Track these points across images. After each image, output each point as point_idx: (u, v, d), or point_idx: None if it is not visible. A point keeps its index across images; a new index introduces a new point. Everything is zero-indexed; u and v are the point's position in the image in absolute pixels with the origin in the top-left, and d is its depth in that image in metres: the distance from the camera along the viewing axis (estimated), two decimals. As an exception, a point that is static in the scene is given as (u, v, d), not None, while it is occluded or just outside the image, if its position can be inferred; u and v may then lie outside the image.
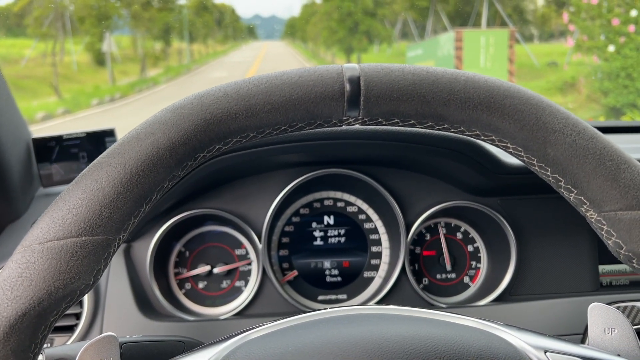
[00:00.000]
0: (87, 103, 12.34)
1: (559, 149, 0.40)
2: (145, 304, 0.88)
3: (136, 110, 12.01)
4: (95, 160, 0.40)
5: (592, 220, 0.41)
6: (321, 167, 0.91)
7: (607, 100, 7.62)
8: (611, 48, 7.33)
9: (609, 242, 0.41)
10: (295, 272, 0.94)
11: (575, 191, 0.41)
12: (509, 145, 0.42)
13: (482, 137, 0.42)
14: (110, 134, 0.99)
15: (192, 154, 0.40)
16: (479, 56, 8.83)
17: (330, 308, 0.89)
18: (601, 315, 0.44)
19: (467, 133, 0.43)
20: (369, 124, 0.42)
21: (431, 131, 0.73)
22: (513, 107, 0.40)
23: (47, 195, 1.00)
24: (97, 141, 0.99)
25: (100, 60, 17.11)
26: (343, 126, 0.43)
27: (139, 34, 20.23)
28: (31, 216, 0.96)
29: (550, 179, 0.42)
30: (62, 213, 0.37)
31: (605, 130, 1.19)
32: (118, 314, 0.85)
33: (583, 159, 0.39)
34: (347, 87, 0.40)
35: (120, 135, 1.03)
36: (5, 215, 0.94)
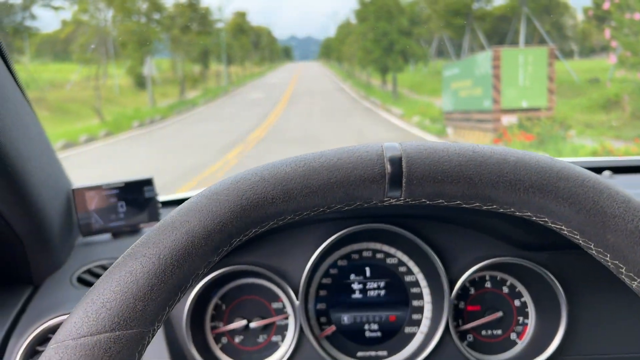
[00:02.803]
0: (128, 125, 12.70)
1: (620, 235, 0.38)
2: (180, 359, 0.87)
3: (174, 132, 12.28)
4: (129, 249, 0.39)
5: None
6: (359, 220, 0.89)
7: (653, 118, 7.49)
8: (656, 64, 7.20)
9: None
10: (333, 327, 0.91)
11: (638, 280, 0.39)
12: (563, 228, 0.40)
13: (534, 219, 0.40)
14: (148, 183, 0.99)
15: (228, 240, 0.39)
16: (518, 75, 8.66)
17: None
18: None
19: (517, 214, 0.41)
20: (411, 204, 0.41)
21: None
22: (568, 190, 0.38)
23: (87, 245, 1.00)
24: (135, 190, 0.99)
25: (140, 83, 17.65)
26: (385, 205, 0.41)
27: (178, 57, 20.83)
28: (71, 267, 0.96)
29: (610, 264, 0.40)
30: (95, 307, 0.36)
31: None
32: None
33: None
34: (389, 168, 0.39)
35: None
36: (45, 267, 0.94)
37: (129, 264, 0.37)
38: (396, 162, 0.39)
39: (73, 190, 0.98)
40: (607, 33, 8.88)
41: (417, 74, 19.22)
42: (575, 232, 0.40)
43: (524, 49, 11.90)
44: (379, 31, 17.50)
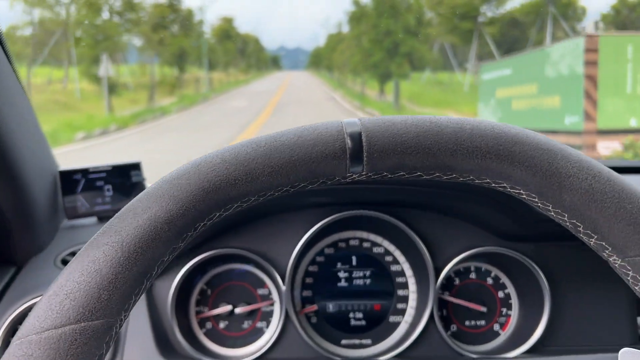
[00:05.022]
0: (70, 137, 11.75)
1: (575, 194, 0.42)
2: (165, 345, 0.98)
3: (126, 146, 11.57)
4: (91, 238, 0.42)
5: (616, 265, 0.43)
6: (347, 207, 1.01)
7: None
8: None
9: (636, 287, 0.43)
10: (315, 307, 1.03)
11: (596, 236, 0.43)
12: (522, 192, 0.45)
13: (494, 185, 0.45)
14: (136, 167, 1.12)
15: (192, 225, 0.43)
16: (626, 76, 6.38)
17: (353, 355, 0.98)
18: None
19: (477, 182, 0.46)
20: (374, 178, 0.46)
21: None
22: (523, 154, 0.43)
23: (72, 228, 1.12)
24: (123, 174, 1.11)
25: (110, 87, 17.30)
26: (347, 181, 0.46)
27: (148, 59, 20.86)
28: (55, 249, 1.07)
29: (568, 224, 0.45)
30: (59, 299, 0.39)
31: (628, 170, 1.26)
32: (137, 353, 0.95)
33: (601, 203, 0.42)
34: (349, 143, 0.43)
35: (145, 169, 1.16)
36: (29, 247, 1.06)
37: (92, 253, 0.40)
38: (356, 137, 0.43)
39: (60, 172, 1.10)
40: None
41: (415, 84, 18.80)
42: (534, 195, 0.44)
43: (635, 34, 8.42)
44: (381, 30, 16.85)
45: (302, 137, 0.44)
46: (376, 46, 17.38)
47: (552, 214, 0.45)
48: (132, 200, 0.43)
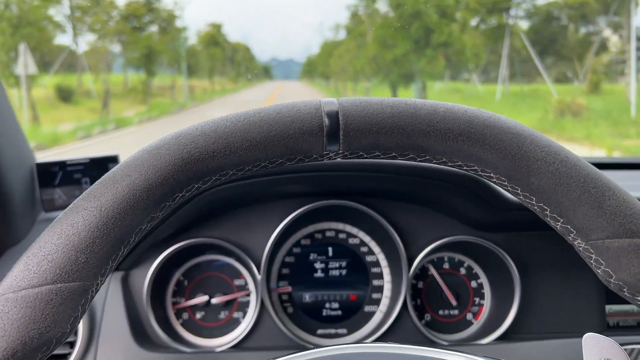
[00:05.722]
0: None
1: (543, 178, 0.51)
2: (141, 334, 1.21)
3: None
4: (71, 204, 0.50)
5: (580, 249, 0.52)
6: (323, 198, 1.26)
7: None
8: None
9: (599, 270, 0.52)
10: (288, 288, 1.29)
11: (562, 220, 0.52)
12: (492, 175, 0.54)
13: (465, 168, 0.54)
14: (113, 159, 1.37)
15: (171, 195, 0.52)
16: None
17: (329, 344, 1.25)
18: (596, 346, 0.56)
19: (449, 164, 0.55)
20: (350, 158, 0.55)
21: (434, 165, 1.04)
22: (494, 137, 0.52)
23: (49, 220, 1.37)
24: (100, 167, 1.36)
25: (65, 95, 16.84)
26: (324, 160, 0.56)
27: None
28: (31, 241, 1.32)
29: (536, 207, 0.53)
30: (37, 260, 0.47)
31: (604, 166, 1.55)
32: (113, 343, 1.18)
33: (567, 187, 0.50)
34: (326, 121, 0.52)
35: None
36: (5, 239, 1.30)
37: (71, 217, 0.48)
38: (333, 116, 0.52)
39: (37, 164, 1.35)
40: None
41: (428, 93, 16.84)
42: (503, 179, 0.53)
43: None
44: (407, 11, 14.36)
45: (280, 113, 0.53)
46: (399, 35, 15.18)
47: (521, 197, 0.54)
48: (113, 168, 0.52)
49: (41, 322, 0.45)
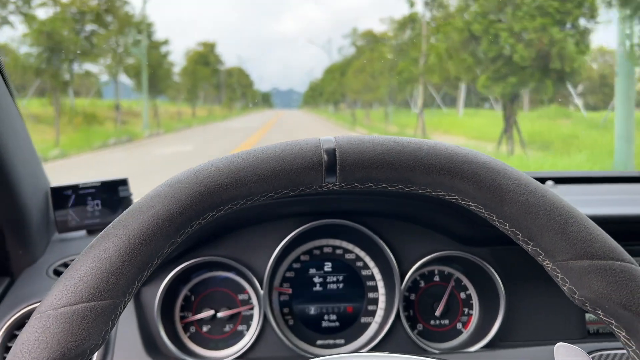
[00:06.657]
0: None
1: (514, 207, 0.58)
2: (152, 347, 1.30)
3: None
4: (103, 231, 0.57)
5: (549, 268, 0.59)
6: (321, 217, 1.35)
7: None
8: None
9: (564, 287, 0.58)
10: (289, 290, 1.38)
11: (532, 243, 0.59)
12: (470, 203, 0.61)
13: (447, 197, 0.62)
14: (123, 183, 1.46)
15: (189, 223, 0.58)
16: None
17: (328, 354, 1.34)
18: (567, 355, 0.64)
19: (433, 194, 0.62)
20: (346, 188, 0.63)
21: None
22: (471, 171, 0.59)
23: (62, 241, 1.46)
24: (111, 190, 1.45)
25: None
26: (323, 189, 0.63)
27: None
28: (46, 260, 1.41)
29: (509, 232, 0.61)
30: (73, 281, 0.53)
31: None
32: (126, 355, 1.27)
33: (535, 215, 0.57)
34: (325, 158, 0.59)
35: (132, 184, 1.50)
36: (22, 260, 1.39)
37: (103, 244, 0.55)
38: (331, 152, 0.59)
39: (51, 188, 1.44)
40: None
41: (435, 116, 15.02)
42: (480, 207, 0.60)
43: None
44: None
45: (285, 150, 0.60)
46: (490, 46, 11.21)
47: (496, 223, 0.61)
48: (138, 200, 0.58)
49: (78, 335, 0.51)
